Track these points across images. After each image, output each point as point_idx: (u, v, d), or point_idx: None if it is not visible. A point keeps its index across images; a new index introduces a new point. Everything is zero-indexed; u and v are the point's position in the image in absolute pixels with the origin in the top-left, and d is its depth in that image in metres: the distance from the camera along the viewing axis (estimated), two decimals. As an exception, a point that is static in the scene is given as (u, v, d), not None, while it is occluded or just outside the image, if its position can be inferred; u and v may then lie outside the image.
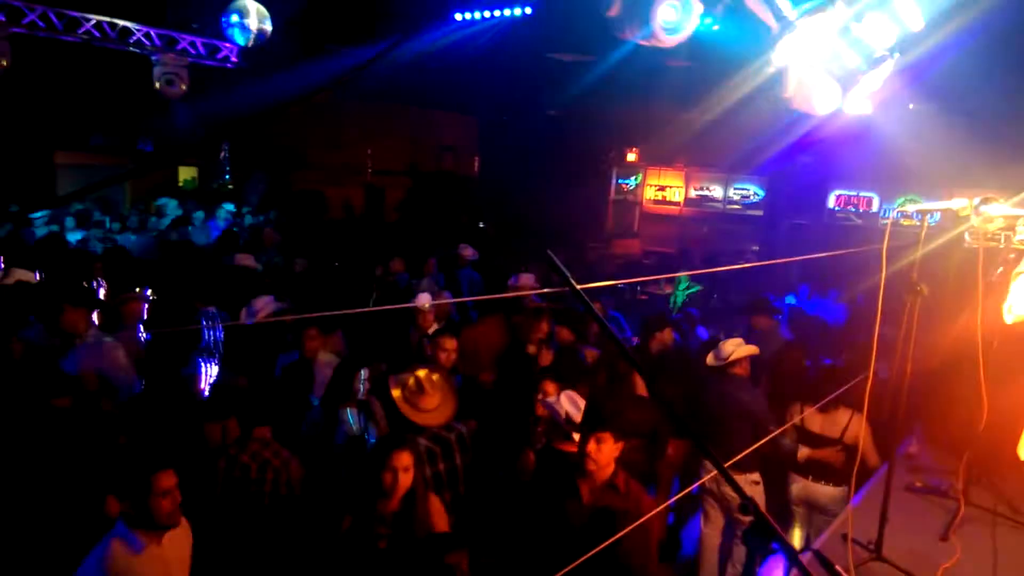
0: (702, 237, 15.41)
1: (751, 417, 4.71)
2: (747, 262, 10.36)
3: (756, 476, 4.89)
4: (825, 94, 4.16)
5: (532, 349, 5.32)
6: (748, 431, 4.66)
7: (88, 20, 7.95)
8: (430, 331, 5.93)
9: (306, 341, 5.09)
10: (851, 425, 4.71)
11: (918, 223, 3.63)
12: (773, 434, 4.26)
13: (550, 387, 4.18)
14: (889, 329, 3.61)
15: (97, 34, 8.07)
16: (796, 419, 4.91)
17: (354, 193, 15.59)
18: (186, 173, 13.72)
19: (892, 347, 3.70)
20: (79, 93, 10.60)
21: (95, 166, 12.19)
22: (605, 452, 3.18)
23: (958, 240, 3.49)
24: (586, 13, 4.06)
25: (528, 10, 10.49)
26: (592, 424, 3.24)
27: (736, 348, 5.01)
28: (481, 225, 15.57)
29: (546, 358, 5.24)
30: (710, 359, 5.09)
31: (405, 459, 3.08)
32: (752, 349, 5.10)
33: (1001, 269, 3.11)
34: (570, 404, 3.95)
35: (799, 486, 4.98)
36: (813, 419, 4.93)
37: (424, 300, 5.88)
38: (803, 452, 4.85)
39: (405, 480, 3.07)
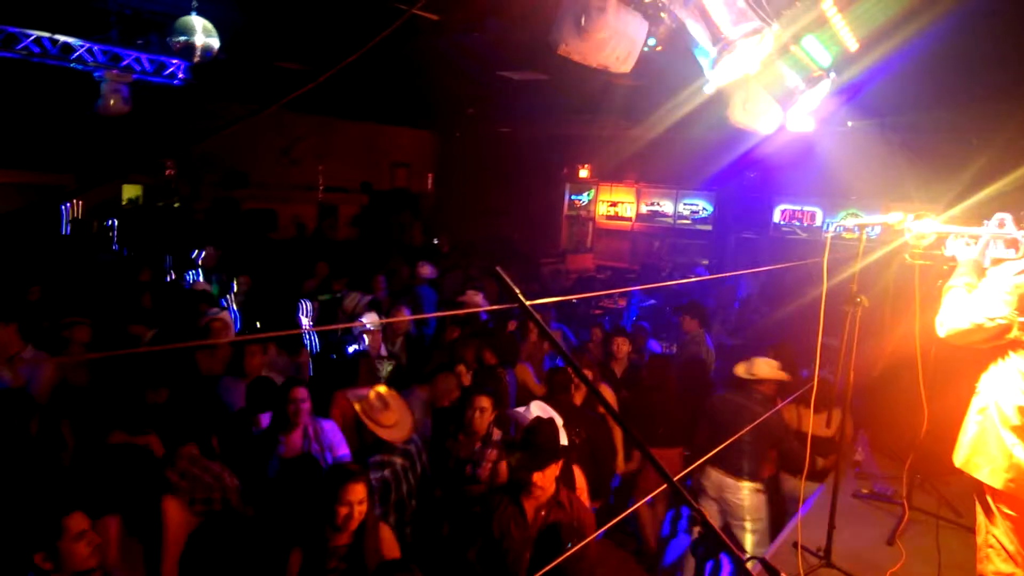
0: (654, 252, 15.65)
1: (765, 431, 4.76)
2: (696, 276, 10.54)
3: (759, 485, 4.96)
4: (766, 113, 4.29)
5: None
6: (762, 444, 4.83)
7: (27, 36, 7.70)
8: (380, 351, 5.89)
9: (248, 359, 4.98)
10: (844, 425, 4.83)
11: (858, 236, 3.76)
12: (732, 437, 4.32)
13: (485, 401, 4.18)
14: (830, 339, 3.71)
15: (37, 50, 7.82)
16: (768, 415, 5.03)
17: (306, 211, 15.41)
18: (131, 192, 13.38)
19: (834, 357, 3.81)
20: (18, 110, 10.28)
21: (35, 185, 11.82)
22: (548, 476, 3.29)
23: (896, 253, 3.62)
24: (534, 33, 4.11)
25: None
26: (542, 459, 3.31)
27: (769, 369, 5.08)
28: (435, 241, 15.53)
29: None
30: (740, 370, 5.18)
31: (359, 492, 3.03)
32: (783, 376, 5.16)
33: (941, 282, 3.22)
34: (541, 413, 4.02)
35: (791, 484, 5.13)
36: (806, 422, 5.03)
37: (371, 320, 5.82)
38: (821, 462, 5.01)
39: (359, 513, 3.02)
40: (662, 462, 4.98)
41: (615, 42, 3.20)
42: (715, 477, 4.96)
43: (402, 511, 3.97)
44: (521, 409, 4.18)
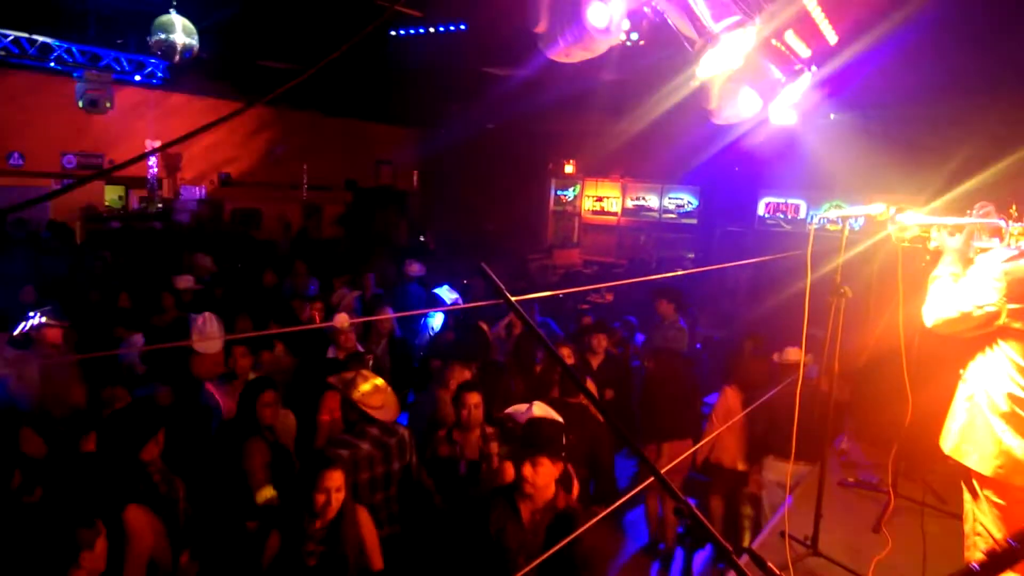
0: (640, 246, 15.70)
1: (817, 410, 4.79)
2: (683, 269, 10.58)
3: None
4: (745, 106, 4.30)
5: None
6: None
7: (6, 36, 7.61)
8: (353, 349, 5.81)
9: (237, 359, 4.93)
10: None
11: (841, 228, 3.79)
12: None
13: (476, 397, 4.20)
14: (815, 330, 3.73)
15: (16, 50, 7.74)
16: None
17: (291, 209, 15.33)
18: (113, 192, 13.26)
19: (819, 347, 3.84)
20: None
21: (15, 188, 11.69)
22: (542, 474, 3.22)
23: (880, 243, 3.64)
24: (517, 29, 4.11)
25: (462, 26, 10.58)
26: (527, 448, 3.28)
27: (798, 355, 5.04)
28: (421, 239, 15.49)
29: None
30: (775, 357, 5.34)
31: (337, 479, 3.06)
32: (807, 359, 5.20)
33: (923, 264, 3.24)
34: (542, 413, 4.00)
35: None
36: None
37: (342, 320, 5.75)
38: None
39: (337, 500, 3.06)
40: (673, 454, 5.03)
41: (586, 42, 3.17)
42: (796, 471, 4.82)
43: (371, 495, 3.89)
44: (522, 408, 4.14)
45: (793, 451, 3.83)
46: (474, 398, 4.19)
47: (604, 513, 2.39)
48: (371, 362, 5.60)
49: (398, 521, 3.99)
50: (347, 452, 3.81)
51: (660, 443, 5.42)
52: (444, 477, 4.19)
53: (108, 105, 8.44)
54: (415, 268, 8.82)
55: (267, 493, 3.75)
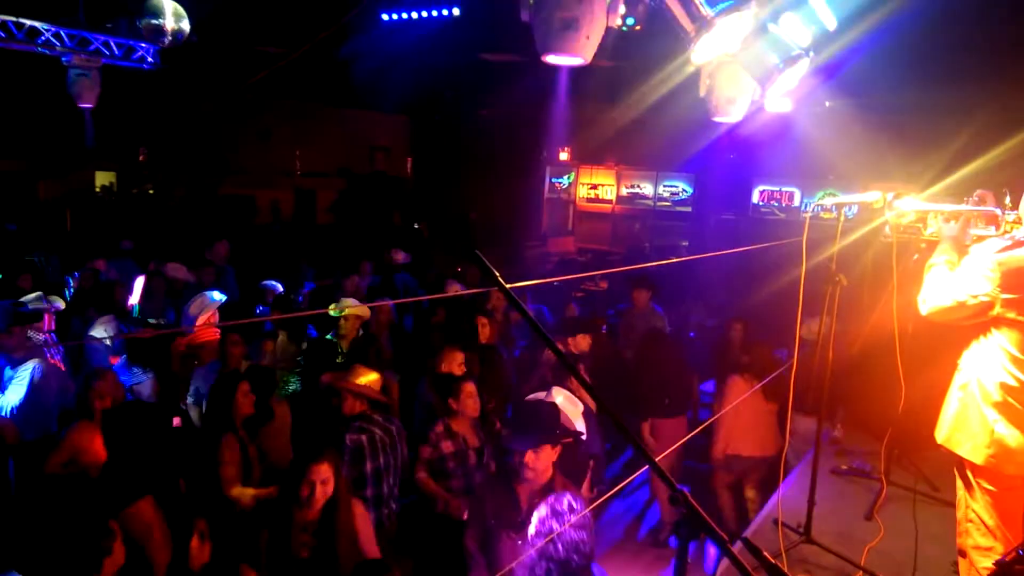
0: (635, 234, 15.67)
1: None
2: (677, 257, 10.57)
3: None
4: (739, 98, 4.26)
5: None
6: None
7: (-9, 19, 7.50)
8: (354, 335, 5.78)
9: (229, 348, 4.91)
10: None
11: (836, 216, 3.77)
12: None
13: (471, 387, 4.20)
14: (810, 318, 3.73)
15: (2, 34, 7.63)
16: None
17: (284, 196, 15.23)
18: (103, 178, 13.15)
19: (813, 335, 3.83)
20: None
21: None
22: (543, 459, 3.22)
23: (875, 232, 3.63)
24: (512, 15, 4.07)
25: (456, 11, 10.49)
26: (536, 439, 3.27)
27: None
28: (415, 226, 15.44)
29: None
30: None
31: (324, 471, 3.05)
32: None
33: (917, 256, 3.24)
34: (568, 403, 3.98)
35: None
36: None
37: (349, 303, 5.72)
38: None
39: (324, 491, 3.05)
40: (670, 431, 5.05)
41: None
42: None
43: (379, 484, 3.95)
44: (541, 395, 4.05)
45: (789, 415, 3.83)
46: (469, 387, 4.19)
47: (601, 500, 2.38)
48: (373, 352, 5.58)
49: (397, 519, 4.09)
50: (365, 436, 3.92)
51: (654, 421, 5.48)
52: (457, 470, 4.14)
53: (97, 90, 8.28)
54: (400, 256, 8.78)
55: (240, 492, 3.75)
